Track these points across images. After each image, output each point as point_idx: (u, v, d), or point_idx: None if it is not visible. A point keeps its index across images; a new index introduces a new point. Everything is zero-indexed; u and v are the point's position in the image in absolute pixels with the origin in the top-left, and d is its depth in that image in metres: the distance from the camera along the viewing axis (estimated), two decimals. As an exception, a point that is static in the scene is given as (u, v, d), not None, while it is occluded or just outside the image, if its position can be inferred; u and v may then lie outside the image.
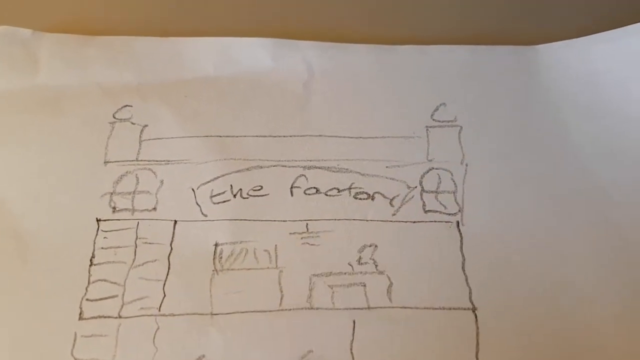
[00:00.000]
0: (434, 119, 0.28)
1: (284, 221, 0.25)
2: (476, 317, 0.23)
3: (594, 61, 0.29)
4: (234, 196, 0.26)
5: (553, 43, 0.30)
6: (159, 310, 0.23)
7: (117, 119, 0.28)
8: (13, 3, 0.32)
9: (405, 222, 0.26)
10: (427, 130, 0.28)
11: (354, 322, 0.23)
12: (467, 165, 0.27)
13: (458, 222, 0.26)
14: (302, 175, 0.27)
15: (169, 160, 0.27)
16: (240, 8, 0.32)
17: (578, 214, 0.26)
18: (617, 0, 0.32)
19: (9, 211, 0.25)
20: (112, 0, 0.32)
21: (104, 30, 0.30)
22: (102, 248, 0.24)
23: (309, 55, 0.30)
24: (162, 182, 0.26)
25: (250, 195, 0.26)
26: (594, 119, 0.28)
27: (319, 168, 0.27)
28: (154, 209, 0.26)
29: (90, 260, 0.24)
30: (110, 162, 0.27)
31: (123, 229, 0.25)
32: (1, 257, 0.24)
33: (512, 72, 0.29)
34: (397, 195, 0.26)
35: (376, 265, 0.24)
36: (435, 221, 0.26)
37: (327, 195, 0.26)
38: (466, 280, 0.24)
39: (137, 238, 0.25)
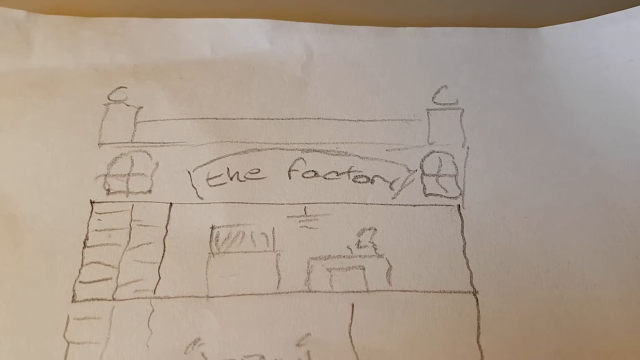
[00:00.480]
0: (435, 102, 0.28)
1: (281, 204, 0.25)
2: (477, 300, 0.23)
3: (597, 44, 0.29)
4: (231, 179, 0.26)
5: (556, 25, 0.30)
6: (154, 292, 0.23)
7: (111, 100, 0.27)
8: (7, -16, 0.31)
9: (405, 205, 0.25)
10: (428, 113, 0.27)
11: (353, 305, 0.23)
12: (468, 148, 0.27)
13: (459, 206, 0.25)
14: (301, 158, 0.26)
15: (164, 143, 0.26)
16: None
17: (581, 197, 0.25)
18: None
19: (3, 193, 0.25)
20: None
21: (98, 12, 0.30)
22: (96, 230, 0.24)
23: (307, 37, 0.29)
24: (157, 164, 0.26)
25: (247, 178, 0.26)
26: (598, 102, 0.28)
27: (318, 151, 0.26)
28: (149, 191, 0.25)
29: (84, 242, 0.24)
30: (105, 144, 0.26)
31: (117, 211, 0.25)
32: (-6, 240, 0.24)
33: (515, 55, 0.29)
34: (397, 179, 0.26)
35: (375, 249, 0.24)
36: (436, 205, 0.25)
37: (325, 178, 0.26)
38: (467, 263, 0.24)
39: (131, 220, 0.24)
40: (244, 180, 0.26)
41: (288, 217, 0.25)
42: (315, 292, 0.23)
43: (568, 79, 0.28)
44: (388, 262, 0.24)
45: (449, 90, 0.28)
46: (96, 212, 0.24)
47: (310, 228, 0.25)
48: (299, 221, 0.25)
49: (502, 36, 0.29)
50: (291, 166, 0.26)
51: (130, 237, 0.24)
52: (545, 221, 0.25)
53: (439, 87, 0.28)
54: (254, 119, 0.27)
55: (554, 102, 0.28)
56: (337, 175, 0.26)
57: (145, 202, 0.25)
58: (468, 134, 0.27)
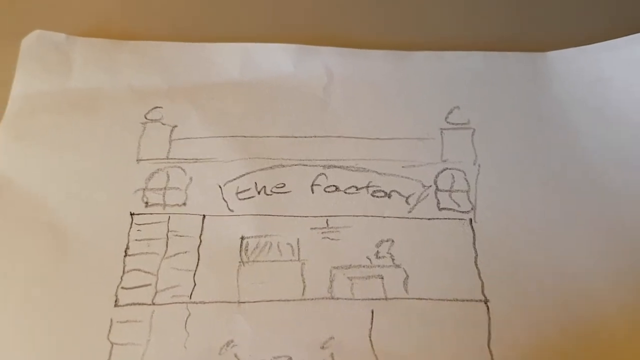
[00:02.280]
0: (448, 122, 0.30)
1: (305, 217, 0.27)
2: (488, 308, 0.25)
3: (601, 68, 0.31)
4: (259, 193, 0.27)
5: (562, 50, 0.31)
6: (190, 298, 0.25)
7: (148, 119, 0.29)
8: (48, 8, 0.34)
9: (421, 219, 0.27)
10: (441, 132, 0.29)
11: (372, 311, 0.25)
12: (479, 165, 0.28)
13: (471, 220, 0.27)
14: (322, 174, 0.28)
15: (197, 159, 0.28)
16: (264, 15, 0.34)
17: (585, 213, 0.27)
18: (623, 9, 0.33)
19: (49, 207, 0.27)
20: (142, 7, 0.33)
21: (134, 36, 0.32)
22: (136, 240, 0.26)
23: (328, 61, 0.31)
24: (191, 179, 0.28)
25: (274, 192, 0.28)
26: (602, 124, 0.29)
27: (338, 167, 0.28)
28: (184, 204, 0.27)
29: (125, 251, 0.26)
30: (143, 160, 0.28)
31: (155, 223, 0.27)
32: (42, 249, 0.26)
33: (523, 78, 0.31)
34: (413, 194, 0.28)
35: (393, 259, 0.26)
36: (449, 218, 0.27)
37: (346, 193, 0.28)
38: (479, 274, 0.25)
39: (168, 231, 0.26)
40: (271, 194, 0.27)
41: (312, 228, 0.27)
42: (337, 299, 0.25)
43: (573, 101, 0.30)
44: (405, 271, 0.26)
45: (461, 111, 0.30)
46: (136, 223, 0.26)
47: (332, 239, 0.26)
48: (322, 232, 0.27)
49: (511, 60, 0.31)
50: (314, 181, 0.28)
51: (167, 246, 0.26)
52: (551, 235, 0.26)
53: (452, 107, 0.30)
54: (279, 137, 0.29)
55: (560, 122, 0.29)
56: (357, 190, 0.28)
57: (180, 214, 0.27)
58: (479, 152, 0.29)
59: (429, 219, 0.27)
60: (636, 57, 0.30)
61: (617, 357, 0.24)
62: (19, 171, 0.28)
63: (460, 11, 0.34)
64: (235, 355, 0.24)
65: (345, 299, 0.25)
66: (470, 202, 0.27)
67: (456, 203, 0.27)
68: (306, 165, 0.28)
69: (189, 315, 0.24)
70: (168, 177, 0.28)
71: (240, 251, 0.26)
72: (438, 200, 0.27)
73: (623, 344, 0.24)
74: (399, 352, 0.24)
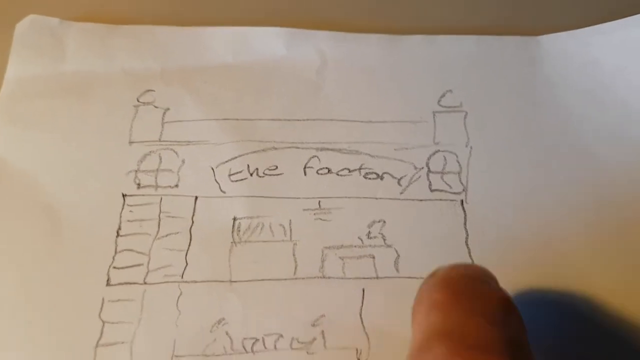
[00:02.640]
0: (440, 105, 0.30)
1: (297, 198, 0.27)
2: (478, 287, 0.25)
3: (593, 51, 0.31)
4: (251, 175, 0.28)
5: (555, 34, 0.31)
6: (182, 277, 0.25)
7: (140, 102, 0.29)
8: (42, -6, 0.34)
9: (412, 200, 0.27)
10: (434, 115, 0.29)
11: (363, 290, 0.25)
12: (471, 148, 0.28)
13: (462, 201, 0.27)
14: (315, 156, 0.28)
15: (189, 141, 0.28)
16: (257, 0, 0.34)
17: (575, 194, 0.27)
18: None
19: (42, 189, 0.27)
20: (136, -9, 0.34)
21: (128, 20, 0.32)
22: (128, 221, 0.26)
23: (322, 44, 0.31)
24: (183, 161, 0.28)
25: (266, 174, 0.28)
26: (593, 105, 0.29)
27: (331, 150, 0.28)
28: (176, 185, 0.27)
29: (117, 232, 0.26)
30: (135, 142, 0.28)
31: (147, 204, 0.27)
32: (35, 230, 0.26)
33: (516, 61, 0.31)
34: (405, 175, 0.28)
35: (384, 239, 0.26)
36: (440, 199, 0.27)
37: (338, 175, 0.28)
38: (469, 253, 0.26)
39: (160, 212, 0.26)
40: (263, 176, 0.28)
41: (304, 210, 0.27)
42: (329, 278, 0.25)
43: (566, 83, 0.30)
44: (396, 251, 0.26)
45: (454, 94, 0.30)
46: (128, 205, 0.27)
47: (324, 220, 0.27)
48: (314, 214, 0.27)
49: (504, 44, 0.31)
50: (306, 163, 0.28)
51: (159, 227, 0.26)
52: (541, 216, 0.26)
53: (445, 91, 0.30)
54: (272, 119, 0.29)
55: (552, 105, 0.30)
56: (349, 172, 0.28)
57: (172, 195, 0.27)
58: (471, 135, 0.29)
59: (420, 200, 0.27)
60: (626, 40, 0.30)
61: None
62: (13, 153, 0.28)
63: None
64: (227, 333, 0.24)
65: (337, 278, 0.25)
66: (461, 183, 0.28)
67: (448, 185, 0.27)
68: (299, 147, 0.28)
69: (181, 294, 0.25)
70: (160, 159, 0.28)
71: (232, 232, 0.26)
72: (430, 181, 0.28)
73: (612, 325, 0.24)
74: (388, 329, 0.24)
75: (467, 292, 0.18)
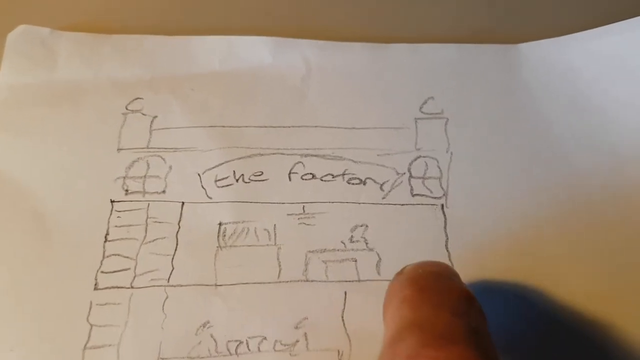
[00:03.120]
0: (422, 112, 0.30)
1: (282, 203, 0.28)
2: (457, 289, 0.25)
3: (572, 59, 0.31)
4: (237, 181, 0.28)
5: (534, 42, 0.32)
6: (168, 281, 0.25)
7: (129, 110, 0.30)
8: (33, 4, 0.34)
9: (394, 204, 0.28)
10: (415, 121, 0.30)
11: (345, 293, 0.25)
12: (452, 153, 0.29)
13: (443, 205, 0.28)
14: (300, 162, 0.29)
15: (176, 148, 0.29)
16: (243, 9, 0.34)
17: (554, 198, 0.28)
18: (592, 2, 0.34)
19: (32, 194, 0.27)
20: (126, 2, 0.34)
21: (117, 30, 0.32)
22: (116, 226, 0.27)
23: (307, 53, 0.32)
24: (170, 167, 0.28)
25: (252, 180, 0.28)
26: (572, 112, 0.30)
27: (315, 156, 0.29)
28: (163, 191, 0.28)
29: (105, 237, 0.26)
30: (123, 149, 0.29)
31: (135, 210, 0.27)
32: (24, 235, 0.26)
33: (496, 69, 0.32)
34: (387, 181, 0.28)
35: (367, 243, 0.27)
36: (421, 204, 0.28)
37: (322, 180, 0.28)
38: (449, 256, 0.26)
39: (147, 217, 0.27)
40: (249, 182, 0.28)
41: (288, 214, 0.27)
42: (312, 281, 0.26)
43: (545, 90, 0.31)
44: (378, 255, 0.26)
45: (435, 101, 0.31)
46: (116, 210, 0.27)
47: (308, 225, 0.27)
48: (298, 218, 0.27)
49: (484, 52, 0.32)
50: (291, 169, 0.29)
51: (146, 232, 0.27)
52: (520, 220, 0.27)
53: (426, 98, 0.31)
54: (258, 126, 0.30)
55: (532, 111, 0.30)
56: (333, 177, 0.29)
57: (160, 201, 0.28)
58: (452, 141, 0.29)
59: (402, 204, 0.28)
60: (604, 48, 0.31)
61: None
62: (3, 160, 0.28)
63: (435, 5, 0.35)
64: (211, 336, 0.24)
65: (320, 281, 0.26)
66: (442, 188, 0.28)
67: (429, 189, 0.28)
68: (284, 154, 0.29)
69: (167, 297, 0.25)
70: (148, 165, 0.28)
71: (218, 236, 0.27)
72: (411, 186, 0.28)
73: (588, 320, 0.25)
74: (370, 331, 0.24)
75: (433, 287, 0.20)
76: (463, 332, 0.17)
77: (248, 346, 0.24)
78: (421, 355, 0.16)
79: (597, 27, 0.32)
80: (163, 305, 0.25)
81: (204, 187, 0.28)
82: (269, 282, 0.26)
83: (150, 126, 0.30)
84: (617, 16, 0.32)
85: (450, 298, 0.19)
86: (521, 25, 0.34)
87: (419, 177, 0.28)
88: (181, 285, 0.25)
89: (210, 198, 0.28)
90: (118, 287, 0.25)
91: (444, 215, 0.27)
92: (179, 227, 0.27)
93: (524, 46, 0.32)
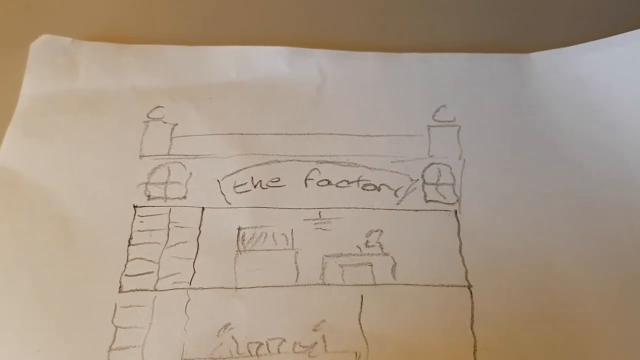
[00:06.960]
0: (435, 119, 0.31)
1: (299, 209, 0.28)
2: (471, 293, 0.26)
3: (581, 68, 0.32)
4: (255, 187, 0.29)
5: (544, 51, 0.33)
6: (190, 284, 0.26)
7: (150, 118, 0.31)
8: (55, 14, 0.35)
9: (408, 210, 0.28)
10: (428, 129, 0.31)
11: (362, 296, 0.26)
12: (464, 160, 0.30)
13: (456, 211, 0.28)
14: (315, 169, 0.30)
15: (197, 155, 0.30)
16: (260, 20, 0.35)
17: (564, 204, 0.28)
18: (603, 12, 0.35)
19: (57, 200, 0.28)
20: (145, 12, 0.35)
21: (137, 39, 0.33)
22: (139, 231, 0.28)
23: (321, 62, 0.33)
24: (191, 174, 0.29)
25: (269, 186, 0.29)
26: (583, 120, 0.31)
27: (331, 162, 0.30)
28: (184, 197, 0.29)
29: (129, 241, 0.27)
30: (145, 156, 0.30)
31: (157, 214, 0.28)
32: (51, 240, 0.27)
33: (506, 78, 0.32)
34: (401, 187, 0.29)
35: (382, 248, 0.27)
36: (435, 210, 0.28)
37: (337, 186, 0.29)
38: (463, 261, 0.27)
39: (169, 222, 0.28)
40: (266, 188, 0.29)
41: (305, 220, 0.28)
42: (329, 285, 0.26)
43: (555, 99, 0.32)
44: (393, 259, 0.27)
45: (448, 109, 0.31)
46: (139, 215, 0.28)
47: (325, 230, 0.28)
48: (315, 224, 0.28)
49: (495, 61, 0.33)
50: (307, 176, 0.29)
51: (168, 236, 0.28)
52: (531, 225, 0.28)
53: (439, 106, 0.31)
54: (275, 134, 0.31)
55: (542, 120, 0.31)
56: (348, 183, 0.29)
57: (181, 206, 0.28)
58: (464, 148, 0.30)
59: (416, 210, 0.28)
60: (613, 57, 0.32)
61: (591, 335, 0.25)
62: (28, 166, 0.29)
63: (446, 15, 0.35)
64: (232, 337, 0.25)
65: (336, 285, 0.26)
66: (455, 194, 0.29)
67: (442, 195, 0.29)
68: (300, 160, 0.30)
69: (189, 300, 0.26)
70: (169, 172, 0.29)
71: (237, 241, 0.27)
72: (425, 192, 0.29)
73: (598, 324, 0.25)
74: (386, 334, 0.25)
75: None
76: None
77: (268, 348, 0.25)
78: None
79: (606, 37, 0.33)
80: (185, 308, 0.26)
81: (223, 192, 0.29)
82: (287, 286, 0.26)
83: (171, 134, 0.30)
84: (625, 27, 0.32)
85: None
86: (531, 35, 0.35)
87: (433, 184, 0.29)
88: (202, 288, 0.26)
89: (230, 203, 0.28)
90: (142, 290, 0.26)
91: (458, 220, 0.28)
92: (200, 232, 0.28)
93: (534, 55, 0.33)
